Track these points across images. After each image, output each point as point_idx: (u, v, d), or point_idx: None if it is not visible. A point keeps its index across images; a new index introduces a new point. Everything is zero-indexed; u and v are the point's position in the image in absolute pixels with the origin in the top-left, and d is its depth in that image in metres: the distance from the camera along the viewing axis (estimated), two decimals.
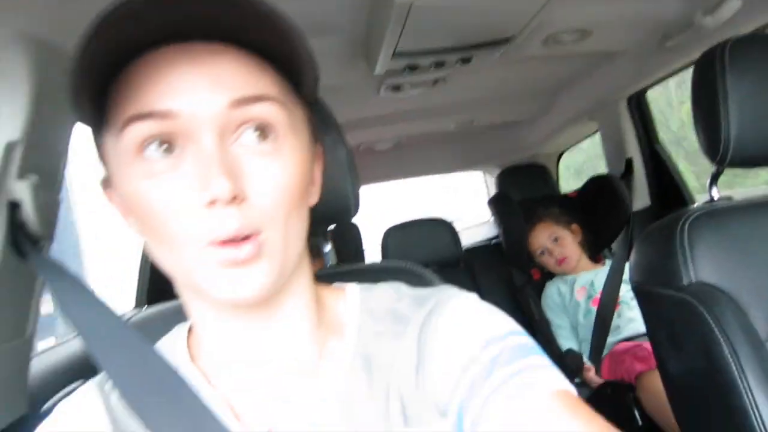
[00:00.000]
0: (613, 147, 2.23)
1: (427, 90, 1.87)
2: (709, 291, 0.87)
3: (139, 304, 1.77)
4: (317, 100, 0.80)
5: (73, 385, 1.11)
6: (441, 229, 2.44)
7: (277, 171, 0.46)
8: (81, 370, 1.18)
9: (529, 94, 2.23)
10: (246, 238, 0.45)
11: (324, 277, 0.64)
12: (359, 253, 2.53)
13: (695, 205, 1.02)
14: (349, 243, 2.46)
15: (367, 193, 3.28)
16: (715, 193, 1.04)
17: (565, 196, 2.63)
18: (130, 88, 0.44)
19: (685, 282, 0.90)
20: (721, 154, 0.94)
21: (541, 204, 2.39)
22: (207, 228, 0.44)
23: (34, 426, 0.54)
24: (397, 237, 2.39)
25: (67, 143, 0.94)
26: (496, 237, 2.79)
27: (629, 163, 2.15)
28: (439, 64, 1.56)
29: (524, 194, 2.65)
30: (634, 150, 2.14)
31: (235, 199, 0.43)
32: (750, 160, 0.96)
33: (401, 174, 3.22)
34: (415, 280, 0.82)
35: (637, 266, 1.03)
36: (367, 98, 1.93)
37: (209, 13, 0.42)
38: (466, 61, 1.55)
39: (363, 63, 1.51)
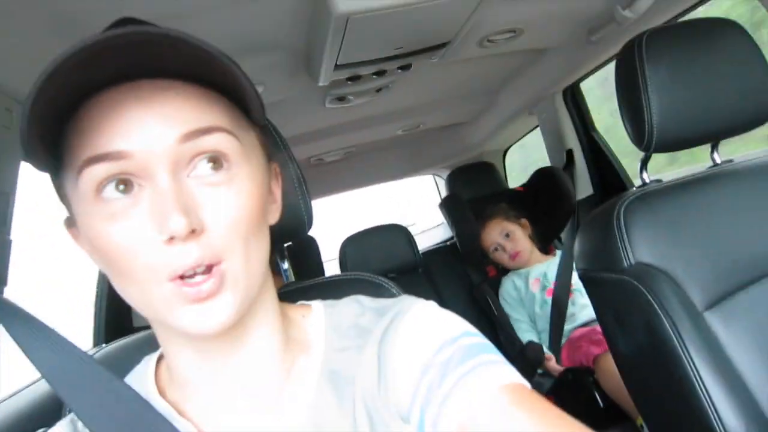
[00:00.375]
0: (553, 139, 2.31)
1: (371, 98, 1.90)
2: (647, 270, 0.93)
3: (97, 343, 1.74)
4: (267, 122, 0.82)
5: None
6: (397, 235, 2.46)
7: (233, 199, 0.48)
8: (42, 416, 1.14)
9: (470, 94, 2.29)
10: (207, 269, 0.46)
11: (286, 294, 0.65)
12: (318, 267, 2.53)
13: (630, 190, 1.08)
14: (308, 258, 2.47)
15: (323, 205, 3.29)
16: (646, 177, 1.11)
17: (513, 191, 2.71)
18: (83, 132, 0.45)
19: (625, 264, 0.95)
20: (646, 140, 1.00)
21: (490, 201, 2.45)
22: (167, 263, 0.45)
23: None
24: (355, 247, 2.40)
25: (15, 183, 0.92)
26: (452, 238, 2.84)
27: (570, 154, 2.24)
28: (380, 73, 1.60)
29: (474, 193, 2.71)
30: (573, 141, 2.23)
31: (194, 232, 0.45)
32: (674, 145, 1.03)
33: (353, 184, 3.24)
34: (375, 290, 0.84)
35: (581, 253, 1.08)
36: (313, 111, 1.95)
37: (154, 56, 0.44)
38: (405, 68, 1.59)
39: (306, 76, 1.53)
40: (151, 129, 0.45)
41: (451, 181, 2.92)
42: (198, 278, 0.46)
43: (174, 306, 0.47)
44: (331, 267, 2.79)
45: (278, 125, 0.82)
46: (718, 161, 1.13)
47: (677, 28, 1.05)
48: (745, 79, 1.00)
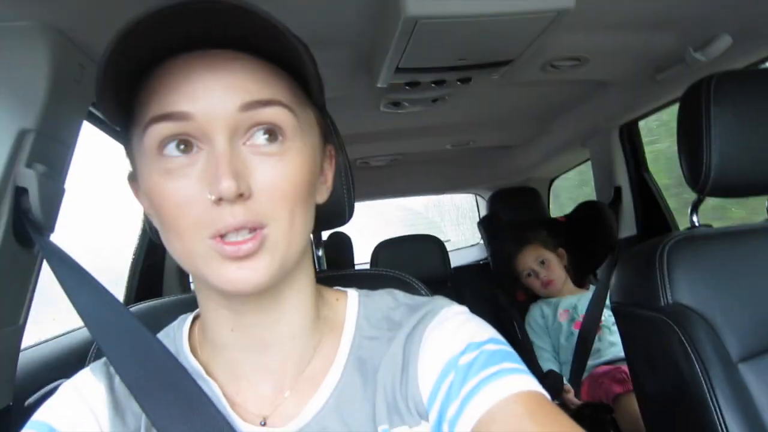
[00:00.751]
0: (603, 175, 2.28)
1: (426, 108, 1.90)
2: (684, 312, 0.91)
3: (127, 302, 1.79)
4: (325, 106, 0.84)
5: (57, 383, 1.09)
6: (431, 246, 2.48)
7: (283, 171, 0.50)
8: (67, 367, 1.18)
9: (525, 118, 2.28)
10: (250, 231, 0.48)
11: (319, 280, 0.67)
12: (349, 263, 2.56)
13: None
14: (340, 253, 2.49)
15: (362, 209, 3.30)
16: (696, 221, 1.09)
17: (554, 220, 2.68)
18: (153, 92, 0.48)
19: (662, 303, 0.93)
20: (701, 183, 0.98)
21: (530, 227, 2.43)
22: (212, 221, 0.47)
23: (17, 419, 0.56)
24: (388, 251, 2.42)
25: (76, 136, 0.96)
26: (485, 259, 2.82)
27: (618, 192, 2.20)
28: (440, 83, 1.60)
29: (514, 217, 2.69)
30: (623, 179, 2.19)
31: (241, 196, 0.47)
32: (729, 190, 1.01)
33: (395, 192, 3.25)
34: (406, 289, 0.84)
35: (618, 287, 1.07)
36: (367, 112, 1.96)
37: (224, 25, 0.46)
38: (465, 81, 1.59)
39: (365, 77, 1.55)
40: (215, 95, 0.48)
41: (493, 202, 2.90)
42: (239, 238, 0.48)
43: (213, 261, 0.49)
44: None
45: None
46: None
47: (750, 74, 1.03)
48: None
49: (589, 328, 1.99)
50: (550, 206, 3.15)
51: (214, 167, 0.47)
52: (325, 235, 2.59)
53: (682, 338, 0.88)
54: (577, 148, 2.46)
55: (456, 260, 2.97)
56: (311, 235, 0.59)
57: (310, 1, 1.13)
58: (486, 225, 2.64)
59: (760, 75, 1.02)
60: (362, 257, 2.71)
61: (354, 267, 2.58)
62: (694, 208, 1.10)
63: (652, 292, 0.95)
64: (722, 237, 0.99)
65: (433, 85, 1.61)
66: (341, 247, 2.52)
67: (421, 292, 0.85)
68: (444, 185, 3.25)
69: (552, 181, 3.13)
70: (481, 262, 2.97)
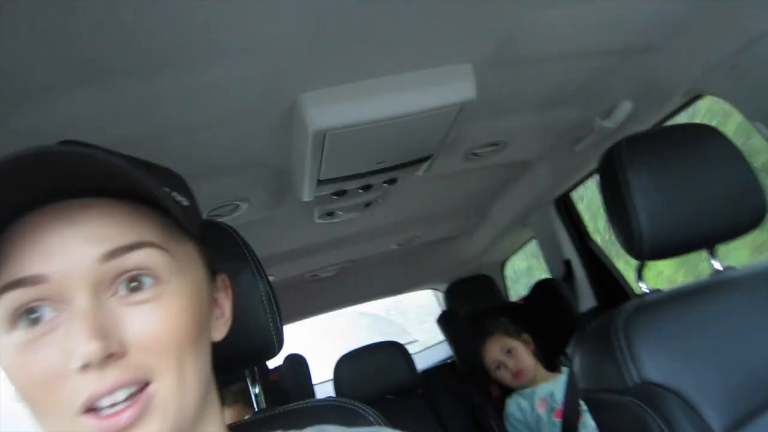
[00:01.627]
0: (550, 251, 2.28)
1: (361, 213, 1.88)
2: (654, 390, 0.85)
3: None
4: (230, 234, 0.79)
5: None
6: (394, 353, 2.36)
7: (161, 317, 0.44)
8: None
9: (463, 207, 2.29)
10: (130, 396, 0.42)
11: (249, 425, 0.59)
12: (307, 390, 2.40)
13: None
14: (297, 378, 2.35)
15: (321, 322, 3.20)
16: (644, 287, 1.04)
17: (513, 304, 2.63)
18: (2, 258, 0.43)
19: (629, 383, 0.87)
20: (637, 248, 0.95)
21: (489, 316, 2.37)
22: (82, 392, 0.41)
23: None
24: (349, 367, 2.29)
25: None
26: (452, 356, 2.74)
27: (568, 265, 2.19)
28: (367, 187, 1.59)
29: (473, 307, 2.64)
30: (570, 251, 2.18)
31: (111, 356, 0.41)
32: (667, 251, 0.98)
33: (350, 300, 3.17)
34: (350, 417, 0.76)
35: (581, 372, 1.00)
36: (303, 227, 1.93)
37: (67, 176, 0.42)
38: (391, 182, 1.58)
39: (291, 193, 1.53)
40: (71, 250, 0.42)
41: (450, 295, 2.86)
42: (118, 407, 0.41)
43: None
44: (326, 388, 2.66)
45: (269, 241, 0.79)
46: (720, 268, 1.06)
47: (655, 134, 1.04)
48: (732, 183, 0.96)
49: (570, 416, 1.88)
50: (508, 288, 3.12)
51: (75, 331, 0.41)
52: (280, 359, 2.46)
53: (658, 421, 0.81)
54: (519, 228, 2.47)
55: (425, 361, 2.86)
56: (246, 372, 0.52)
57: (219, 129, 1.12)
58: (444, 322, 2.57)
59: (665, 132, 1.03)
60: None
61: (313, 392, 2.42)
62: (638, 274, 1.06)
63: (616, 373, 0.89)
64: (675, 300, 0.95)
65: (360, 191, 1.60)
66: (297, 372, 2.37)
67: (369, 419, 0.76)
68: (399, 286, 3.20)
69: (504, 263, 3.12)
70: (450, 361, 2.87)
